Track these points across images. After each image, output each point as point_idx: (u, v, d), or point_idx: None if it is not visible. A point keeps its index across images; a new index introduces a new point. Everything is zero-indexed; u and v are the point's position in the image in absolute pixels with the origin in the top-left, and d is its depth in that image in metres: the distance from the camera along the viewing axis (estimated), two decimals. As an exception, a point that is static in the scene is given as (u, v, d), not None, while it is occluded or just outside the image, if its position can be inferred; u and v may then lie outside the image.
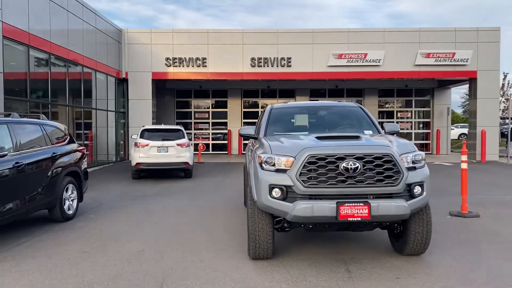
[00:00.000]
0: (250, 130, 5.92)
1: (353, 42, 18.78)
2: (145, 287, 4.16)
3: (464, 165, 7.29)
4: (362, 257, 5.00)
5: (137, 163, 12.42)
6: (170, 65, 18.73)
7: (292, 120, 6.15)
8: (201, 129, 23.44)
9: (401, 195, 4.38)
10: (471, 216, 7.10)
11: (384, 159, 4.35)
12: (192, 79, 19.38)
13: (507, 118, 22.96)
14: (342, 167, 4.29)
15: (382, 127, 5.85)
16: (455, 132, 33.58)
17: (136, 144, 12.59)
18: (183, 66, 18.76)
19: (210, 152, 22.90)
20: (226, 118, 23.17)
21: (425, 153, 21.50)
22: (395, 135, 5.75)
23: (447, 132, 22.90)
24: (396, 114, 23.64)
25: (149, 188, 11.07)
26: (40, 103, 12.71)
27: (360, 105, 6.37)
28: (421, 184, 4.47)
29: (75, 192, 7.51)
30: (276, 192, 4.42)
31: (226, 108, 23.27)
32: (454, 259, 4.89)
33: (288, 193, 4.39)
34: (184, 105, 23.44)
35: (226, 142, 22.96)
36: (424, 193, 4.48)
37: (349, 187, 4.32)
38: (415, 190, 4.43)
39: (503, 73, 30.17)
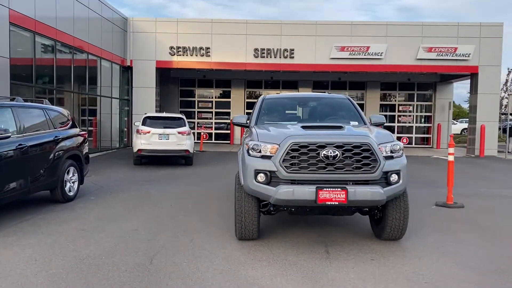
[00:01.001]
0: (242, 119, 6.20)
1: (355, 35, 18.90)
2: (136, 262, 4.47)
3: (451, 157, 7.53)
4: (343, 240, 5.29)
5: (139, 150, 12.77)
6: (174, 54, 18.98)
7: (283, 110, 6.41)
8: (204, 118, 23.73)
9: (378, 182, 4.64)
10: (456, 206, 7.36)
11: (362, 148, 4.61)
12: (196, 68, 19.61)
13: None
14: (322, 155, 4.56)
15: (369, 119, 6.10)
16: (458, 126, 33.71)
17: (138, 131, 12.92)
18: (187, 55, 19.00)
19: (213, 141, 23.21)
20: (229, 108, 23.42)
21: (425, 147, 21.73)
22: (380, 126, 6.01)
23: (448, 126, 23.02)
24: (398, 108, 23.78)
25: (149, 174, 11.40)
26: (46, 89, 13.04)
27: (349, 97, 6.62)
28: (397, 172, 4.73)
29: (76, 174, 7.84)
30: (261, 177, 4.70)
31: (230, 98, 23.52)
32: (429, 245, 5.17)
33: (272, 178, 4.68)
34: (188, 94, 23.71)
35: (228, 131, 23.24)
36: (401, 181, 4.74)
37: (328, 174, 4.59)
38: (391, 178, 4.69)
39: (508, 68, 30.10)
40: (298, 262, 4.50)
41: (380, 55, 18.84)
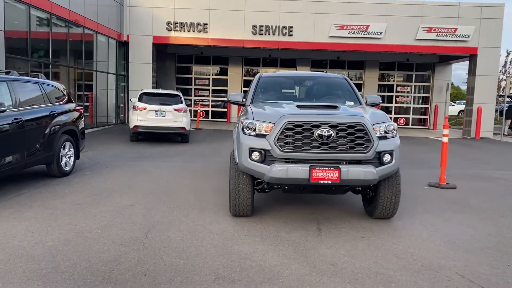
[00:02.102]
0: (238, 97, 6.20)
1: (355, 13, 18.69)
2: (131, 236, 4.55)
3: (445, 139, 7.58)
4: (335, 218, 5.39)
5: (135, 126, 12.76)
6: (171, 30, 18.75)
7: (279, 89, 6.42)
8: (201, 95, 23.62)
9: (371, 162, 4.70)
10: (448, 187, 7.46)
11: (356, 128, 4.65)
12: (193, 44, 19.42)
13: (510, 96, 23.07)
14: (316, 134, 4.60)
15: (365, 99, 6.12)
16: (455, 108, 33.75)
17: (134, 107, 12.89)
18: (184, 31, 18.78)
19: (210, 119, 23.17)
20: (227, 86, 23.30)
21: (422, 128, 21.73)
22: (378, 107, 6.04)
23: (445, 107, 23.03)
24: (396, 88, 23.72)
25: (145, 150, 11.44)
26: (41, 63, 12.92)
27: (345, 77, 6.62)
28: (390, 153, 4.79)
29: (72, 149, 7.86)
30: (256, 155, 4.75)
31: (227, 75, 23.37)
32: (420, 224, 5.27)
33: (266, 156, 4.73)
34: (185, 71, 23.54)
35: (225, 110, 23.18)
36: (393, 161, 4.80)
37: (322, 153, 4.64)
38: (384, 158, 4.75)
39: (507, 50, 29.94)
40: (290, 238, 4.60)
41: (380, 35, 18.68)
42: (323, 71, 23.33)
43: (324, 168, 4.55)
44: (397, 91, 23.71)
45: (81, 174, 7.80)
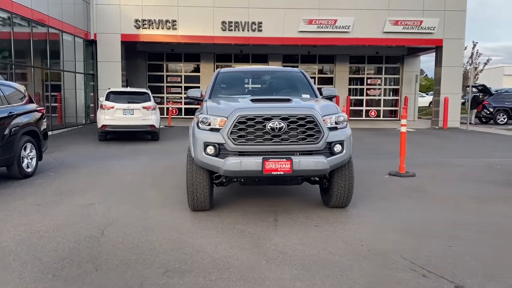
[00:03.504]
0: (196, 93, 6.26)
1: (323, 7, 18.90)
2: (87, 234, 4.56)
3: (403, 129, 7.79)
4: (293, 209, 5.51)
5: (103, 125, 12.64)
6: (139, 27, 18.57)
7: (237, 84, 6.49)
8: (174, 93, 23.48)
9: (322, 152, 4.84)
10: (407, 175, 7.69)
11: (306, 120, 4.77)
12: (162, 41, 19.29)
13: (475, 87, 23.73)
14: (268, 127, 4.70)
15: (320, 92, 6.25)
16: (427, 99, 34.42)
17: (101, 106, 12.77)
18: (152, 28, 18.63)
19: (183, 116, 23.06)
20: (199, 82, 23.18)
21: (393, 119, 22.08)
22: (333, 99, 6.18)
23: (414, 99, 23.54)
24: (367, 81, 24.09)
25: (113, 149, 11.37)
26: (3, 64, 12.63)
27: (302, 70, 6.73)
28: (341, 143, 4.93)
29: (34, 151, 7.76)
30: (210, 149, 4.82)
31: (199, 72, 23.29)
32: (374, 211, 5.44)
33: (220, 150, 4.81)
34: (156, 68, 23.34)
35: (198, 106, 22.99)
36: (344, 150, 4.94)
37: (274, 145, 4.75)
38: (335, 148, 4.89)
39: (473, 42, 30.73)
40: (245, 230, 4.69)
41: (348, 28, 18.95)
42: (296, 66, 23.56)
43: (277, 160, 4.66)
44: (367, 84, 24.08)
45: (44, 175, 7.72)
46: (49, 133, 14.43)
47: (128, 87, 15.14)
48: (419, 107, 27.69)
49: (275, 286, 3.35)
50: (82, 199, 6.07)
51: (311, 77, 23.62)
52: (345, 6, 18.88)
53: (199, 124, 4.95)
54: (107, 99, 12.87)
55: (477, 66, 29.13)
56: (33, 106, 8.10)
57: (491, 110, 21.23)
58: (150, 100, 13.10)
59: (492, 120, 21.44)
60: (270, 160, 4.66)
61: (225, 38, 19.05)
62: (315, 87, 6.36)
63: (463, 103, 22.65)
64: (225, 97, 5.83)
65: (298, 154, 4.83)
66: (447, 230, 4.72)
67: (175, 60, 23.40)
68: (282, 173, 4.68)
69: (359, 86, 24.11)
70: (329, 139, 4.85)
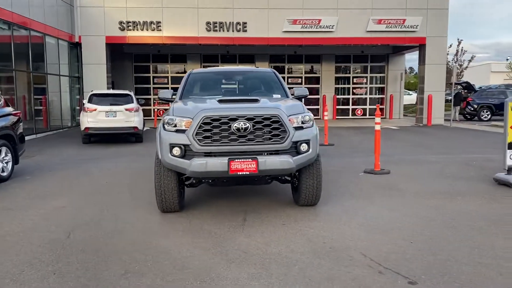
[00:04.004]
0: (167, 94, 6.26)
1: (307, 8, 18.98)
2: (53, 237, 4.56)
3: (377, 127, 7.87)
4: (263, 209, 5.54)
5: (86, 128, 12.63)
6: (124, 29, 18.52)
7: (208, 85, 6.52)
8: (161, 94, 23.37)
9: (288, 152, 4.87)
10: (382, 173, 7.76)
11: (272, 120, 4.81)
12: (147, 43, 19.26)
13: (458, 84, 23.97)
14: (234, 127, 4.73)
15: (292, 92, 6.30)
16: (413, 97, 34.60)
17: (84, 109, 12.75)
18: (137, 30, 18.59)
19: (170, 117, 22.98)
20: (186, 83, 23.14)
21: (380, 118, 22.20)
22: (303, 99, 6.24)
23: (400, 97, 23.71)
24: (353, 80, 24.22)
25: (96, 152, 11.34)
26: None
27: (274, 71, 6.77)
28: (307, 142, 4.96)
29: (9, 154, 7.73)
30: (176, 151, 4.84)
31: (185, 73, 23.19)
32: (343, 209, 5.49)
33: (186, 151, 4.83)
34: (143, 70, 23.29)
35: (185, 107, 23.02)
36: (310, 150, 4.98)
37: (240, 145, 4.78)
38: (301, 147, 4.93)
39: (458, 39, 31.05)
40: (212, 231, 4.72)
41: (332, 28, 19.04)
42: (283, 66, 23.66)
43: (242, 160, 4.69)
44: (354, 83, 24.22)
45: (20, 179, 7.69)
46: (34, 136, 14.48)
47: (111, 89, 15.07)
48: (406, 105, 27.92)
49: (231, 286, 3.38)
50: (55, 202, 6.06)
51: (298, 77, 23.90)
52: (328, 6, 18.98)
53: (165, 126, 4.97)
54: (89, 101, 12.85)
55: (462, 63, 29.39)
56: (8, 109, 8.07)
57: (475, 106, 21.43)
58: (132, 102, 13.08)
59: (476, 117, 21.65)
60: (236, 160, 4.69)
61: (210, 38, 19.06)
62: (287, 87, 6.41)
63: (449, 100, 22.84)
64: (194, 98, 5.84)
65: (266, 154, 4.86)
66: (412, 227, 4.78)
67: (161, 61, 23.37)
68: (248, 173, 4.71)
69: (345, 85, 24.25)
70: (295, 139, 4.89)
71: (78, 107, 19.12)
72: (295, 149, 4.92)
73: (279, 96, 6.15)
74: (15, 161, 7.95)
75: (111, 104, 12.80)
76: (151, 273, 3.62)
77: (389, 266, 3.69)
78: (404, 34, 19.28)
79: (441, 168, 8.39)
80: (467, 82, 22.43)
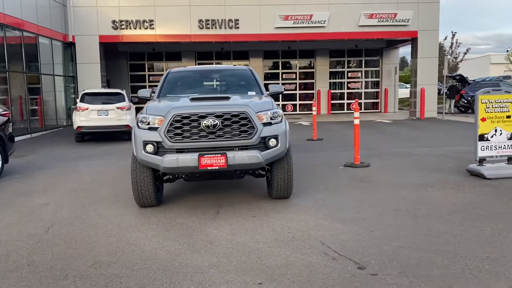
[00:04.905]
0: (146, 93, 6.46)
1: (299, 3, 19.11)
2: (32, 232, 4.78)
3: (356, 121, 8.05)
4: (238, 202, 5.75)
5: (78, 127, 12.88)
6: (117, 28, 18.72)
7: (186, 83, 6.72)
8: (157, 92, 23.59)
9: (257, 147, 5.08)
10: (362, 166, 7.95)
11: (240, 116, 5.01)
12: (140, 41, 19.45)
13: (452, 77, 24.06)
14: (203, 124, 4.94)
15: (267, 89, 6.49)
16: (408, 91, 34.70)
17: (76, 108, 13.01)
18: (130, 29, 18.79)
19: (166, 114, 23.20)
20: (181, 81, 23.34)
21: (375, 112, 22.39)
22: (279, 95, 6.44)
23: (394, 91, 23.83)
24: (347, 74, 24.35)
25: (88, 150, 11.57)
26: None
27: (251, 69, 6.96)
28: (275, 137, 5.16)
29: (-2, 154, 7.97)
30: (149, 148, 5.05)
31: (180, 70, 23.39)
32: (313, 201, 5.68)
33: (158, 148, 5.04)
34: (138, 68, 23.49)
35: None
36: (279, 145, 5.18)
37: (210, 141, 4.99)
38: (270, 143, 5.13)
39: (452, 32, 31.05)
40: (185, 223, 4.93)
41: (323, 23, 19.18)
42: (278, 62, 23.83)
43: (212, 155, 4.90)
44: (348, 77, 24.35)
45: (9, 178, 7.92)
46: (29, 136, 14.72)
47: (107, 88, 15.29)
48: (402, 98, 28.01)
49: (192, 273, 3.59)
50: (39, 199, 6.28)
51: (292, 72, 24.02)
52: (320, 1, 19.11)
53: (139, 124, 5.18)
54: (82, 100, 13.11)
55: (457, 56, 29.43)
56: (-3, 110, 8.29)
57: (469, 99, 21.53)
58: (124, 101, 13.30)
59: (470, 109, 21.75)
60: (205, 156, 4.89)
61: (202, 36, 19.24)
62: (262, 84, 6.60)
63: (442, 93, 22.92)
64: (170, 97, 6.05)
65: (237, 149, 5.07)
66: (375, 217, 4.97)
67: (156, 60, 23.59)
68: (217, 168, 4.92)
69: (340, 80, 24.39)
70: (263, 134, 5.08)
71: (73, 106, 19.34)
72: (263, 144, 5.12)
73: (254, 93, 6.34)
74: (5, 160, 8.18)
75: (103, 103, 13.03)
76: (119, 263, 3.84)
77: (344, 253, 3.89)
78: (396, 28, 19.40)
79: (419, 160, 8.57)
80: (460, 75, 22.52)
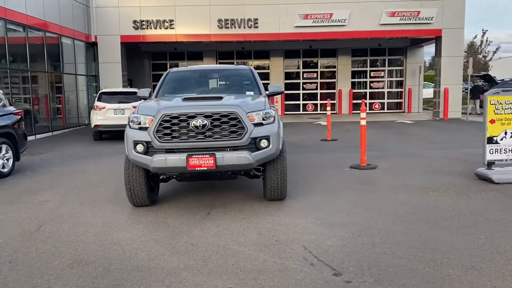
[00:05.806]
0: (145, 92, 6.49)
1: (319, 2, 18.86)
2: (25, 229, 4.87)
3: (362, 122, 7.84)
4: (232, 203, 5.69)
5: (95, 125, 13.16)
6: (138, 28, 18.99)
7: (184, 83, 6.70)
8: (178, 91, 23.82)
9: (247, 148, 5.00)
10: (368, 168, 7.74)
11: (230, 117, 4.95)
12: (161, 41, 19.67)
13: (478, 76, 23.22)
14: (192, 125, 4.90)
15: (267, 89, 6.41)
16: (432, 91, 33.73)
17: (94, 107, 13.30)
18: (150, 29, 19.02)
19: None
20: (202, 80, 23.47)
21: (398, 112, 21.94)
22: (277, 95, 6.34)
23: (419, 90, 23.20)
24: (370, 74, 23.88)
25: (104, 148, 11.77)
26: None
27: (251, 68, 6.88)
28: (267, 138, 5.07)
29: (10, 152, 8.19)
30: (140, 147, 5.06)
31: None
32: (308, 204, 5.55)
33: (148, 148, 5.04)
34: (160, 68, 23.71)
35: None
36: (270, 146, 5.08)
37: (199, 142, 4.95)
38: (261, 143, 5.04)
39: (482, 30, 29.96)
40: (172, 224, 4.91)
41: (344, 22, 18.87)
42: (299, 61, 23.63)
43: (200, 156, 4.86)
44: (371, 77, 23.87)
45: (20, 175, 8.13)
46: (50, 134, 15.12)
47: (120, 88, 15.57)
48: (427, 98, 27.25)
49: (164, 275, 3.56)
50: (42, 197, 6.41)
51: (314, 71, 23.74)
52: (340, -1, 18.80)
53: (130, 124, 5.20)
54: (99, 99, 13.39)
55: (487, 54, 28.39)
56: (10, 109, 8.54)
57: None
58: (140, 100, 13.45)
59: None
60: (194, 156, 4.86)
61: (222, 35, 19.27)
62: (261, 84, 6.52)
63: (466, 93, 22.15)
64: (165, 97, 6.05)
65: (229, 150, 5.01)
66: (367, 221, 4.80)
67: (178, 59, 23.78)
68: (206, 168, 4.87)
69: (362, 79, 23.94)
70: (254, 135, 5.00)
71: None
72: (254, 145, 5.03)
73: (252, 93, 6.26)
74: (16, 158, 8.41)
75: (119, 102, 13.25)
76: (96, 263, 3.85)
77: (323, 259, 3.77)
78: (419, 26, 18.86)
79: (431, 162, 8.27)
80: (487, 74, 21.68)
